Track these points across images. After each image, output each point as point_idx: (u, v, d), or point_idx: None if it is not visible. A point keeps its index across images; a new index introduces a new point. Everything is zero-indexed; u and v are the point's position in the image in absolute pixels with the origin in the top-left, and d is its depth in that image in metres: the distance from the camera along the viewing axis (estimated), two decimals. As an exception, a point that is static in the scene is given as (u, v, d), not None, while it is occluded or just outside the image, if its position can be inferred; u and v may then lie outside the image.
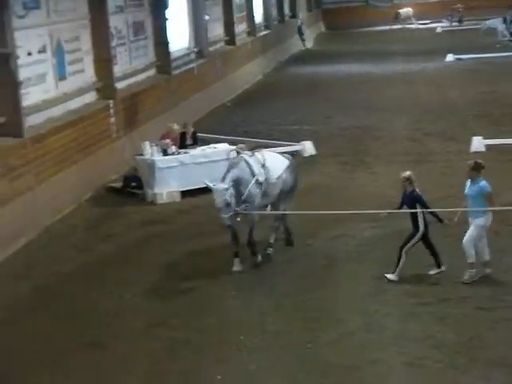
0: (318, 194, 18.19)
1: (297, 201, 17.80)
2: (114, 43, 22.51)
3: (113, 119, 21.28)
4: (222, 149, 19.41)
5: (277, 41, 42.87)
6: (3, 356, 11.30)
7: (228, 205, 13.25)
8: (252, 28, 38.73)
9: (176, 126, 19.45)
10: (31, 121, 17.54)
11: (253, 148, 19.61)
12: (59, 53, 19.54)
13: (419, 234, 12.89)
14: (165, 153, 18.70)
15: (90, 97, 21.05)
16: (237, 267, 13.77)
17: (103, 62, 21.39)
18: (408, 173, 13.04)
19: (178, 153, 18.87)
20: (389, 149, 22.47)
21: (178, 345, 11.31)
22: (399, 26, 56.28)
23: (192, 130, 19.98)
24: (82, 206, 18.43)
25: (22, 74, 17.18)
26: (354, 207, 17.04)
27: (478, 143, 21.39)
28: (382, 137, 23.96)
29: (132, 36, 24.31)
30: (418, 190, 13.03)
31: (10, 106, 16.57)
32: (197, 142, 19.90)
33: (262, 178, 13.98)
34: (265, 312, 12.18)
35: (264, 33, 41.33)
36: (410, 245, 12.96)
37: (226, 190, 13.33)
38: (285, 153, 21.67)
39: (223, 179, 13.52)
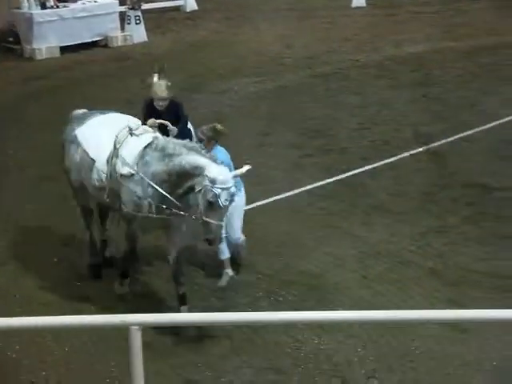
0: (205, 50, 18.12)
1: (181, 59, 17.78)
2: None
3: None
4: (103, 2, 18.95)
5: None
6: None
7: None
8: None
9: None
10: None
11: (135, 2, 19.34)
12: None
13: None
14: (43, 6, 18.08)
15: None
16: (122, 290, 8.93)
17: None
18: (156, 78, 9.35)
19: (57, 6, 18.27)
20: (272, 4, 22.36)
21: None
22: None
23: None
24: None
25: None
26: (239, 62, 17.18)
27: (359, -2, 21.58)
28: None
29: None
30: None
31: None
32: (76, -6, 19.28)
33: None
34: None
35: None
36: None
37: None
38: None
39: (213, 157, 7.95)
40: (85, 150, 8.53)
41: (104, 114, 8.90)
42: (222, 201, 7.54)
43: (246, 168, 7.74)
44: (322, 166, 12.14)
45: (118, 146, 8.23)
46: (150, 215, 8.01)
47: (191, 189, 7.77)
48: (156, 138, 8.23)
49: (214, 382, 7.43)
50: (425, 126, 13.29)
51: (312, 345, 7.90)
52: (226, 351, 7.79)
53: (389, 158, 12.25)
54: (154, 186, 7.96)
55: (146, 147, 8.12)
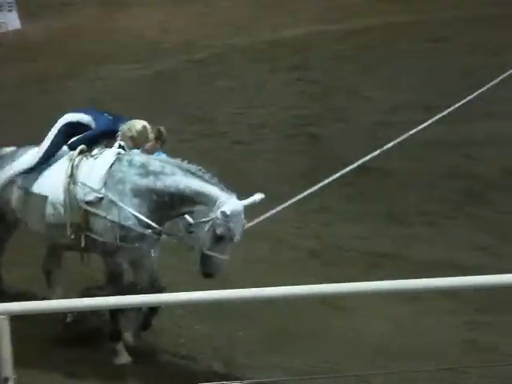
0: (80, 36, 17.79)
1: (56, 46, 17.40)
2: None
3: None
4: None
5: None
6: None
7: None
8: None
9: None
10: None
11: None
12: None
13: None
14: None
15: None
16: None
17: None
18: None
19: None
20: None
21: None
22: None
23: None
24: None
25: None
26: (115, 48, 16.95)
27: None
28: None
29: None
30: None
31: None
32: None
33: None
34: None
35: None
36: None
37: None
38: None
39: (220, 184, 7.18)
40: (28, 190, 7.46)
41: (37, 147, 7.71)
42: (236, 235, 6.85)
43: (259, 196, 7.09)
44: (200, 151, 12.11)
45: (75, 172, 7.20)
46: (136, 244, 7.02)
47: (185, 213, 7.03)
48: (122, 154, 7.27)
49: (93, 373, 7.30)
50: (302, 109, 13.45)
51: (193, 330, 7.87)
52: (104, 339, 7.66)
53: (266, 141, 12.38)
54: (124, 206, 6.96)
55: (111, 166, 7.15)
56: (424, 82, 14.36)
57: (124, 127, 7.54)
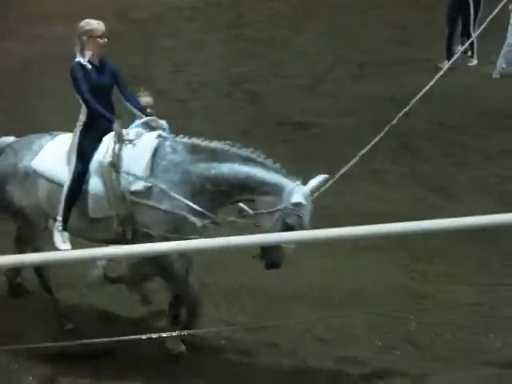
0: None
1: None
2: None
3: None
4: None
5: None
6: None
7: None
8: None
9: None
10: None
11: None
12: None
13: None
14: None
15: None
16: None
17: None
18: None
19: None
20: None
21: None
22: None
23: None
24: None
25: None
26: (48, 7, 16.71)
27: None
28: None
29: None
30: None
31: None
32: None
33: None
34: None
35: None
36: None
37: None
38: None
39: (281, 170, 6.56)
40: (59, 183, 6.74)
41: (53, 135, 7.12)
42: (307, 222, 6.37)
43: (321, 177, 6.59)
44: (139, 110, 12.10)
45: (115, 160, 6.53)
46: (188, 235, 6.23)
47: (241, 201, 6.56)
48: (163, 139, 6.68)
49: (41, 335, 7.24)
50: (239, 67, 13.50)
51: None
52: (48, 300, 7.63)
53: (205, 99, 12.43)
54: (176, 195, 6.40)
55: (155, 152, 6.55)
56: (360, 38, 14.50)
57: (79, 25, 6.96)
